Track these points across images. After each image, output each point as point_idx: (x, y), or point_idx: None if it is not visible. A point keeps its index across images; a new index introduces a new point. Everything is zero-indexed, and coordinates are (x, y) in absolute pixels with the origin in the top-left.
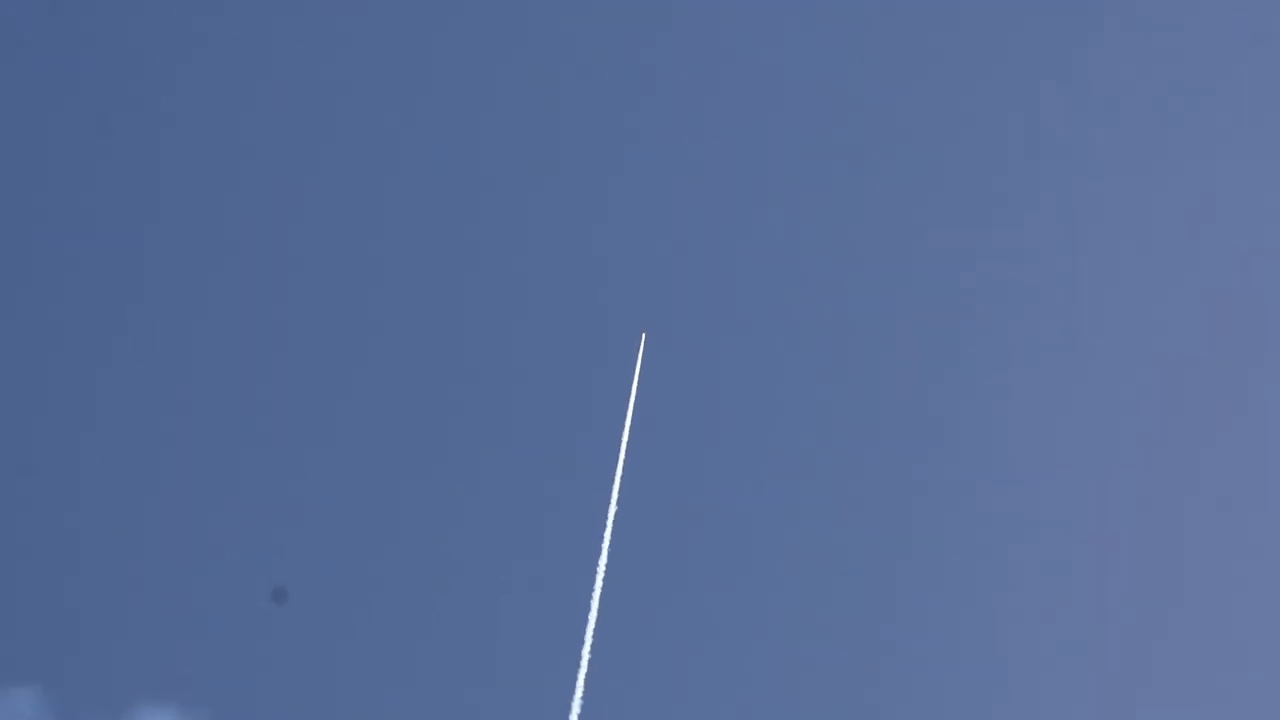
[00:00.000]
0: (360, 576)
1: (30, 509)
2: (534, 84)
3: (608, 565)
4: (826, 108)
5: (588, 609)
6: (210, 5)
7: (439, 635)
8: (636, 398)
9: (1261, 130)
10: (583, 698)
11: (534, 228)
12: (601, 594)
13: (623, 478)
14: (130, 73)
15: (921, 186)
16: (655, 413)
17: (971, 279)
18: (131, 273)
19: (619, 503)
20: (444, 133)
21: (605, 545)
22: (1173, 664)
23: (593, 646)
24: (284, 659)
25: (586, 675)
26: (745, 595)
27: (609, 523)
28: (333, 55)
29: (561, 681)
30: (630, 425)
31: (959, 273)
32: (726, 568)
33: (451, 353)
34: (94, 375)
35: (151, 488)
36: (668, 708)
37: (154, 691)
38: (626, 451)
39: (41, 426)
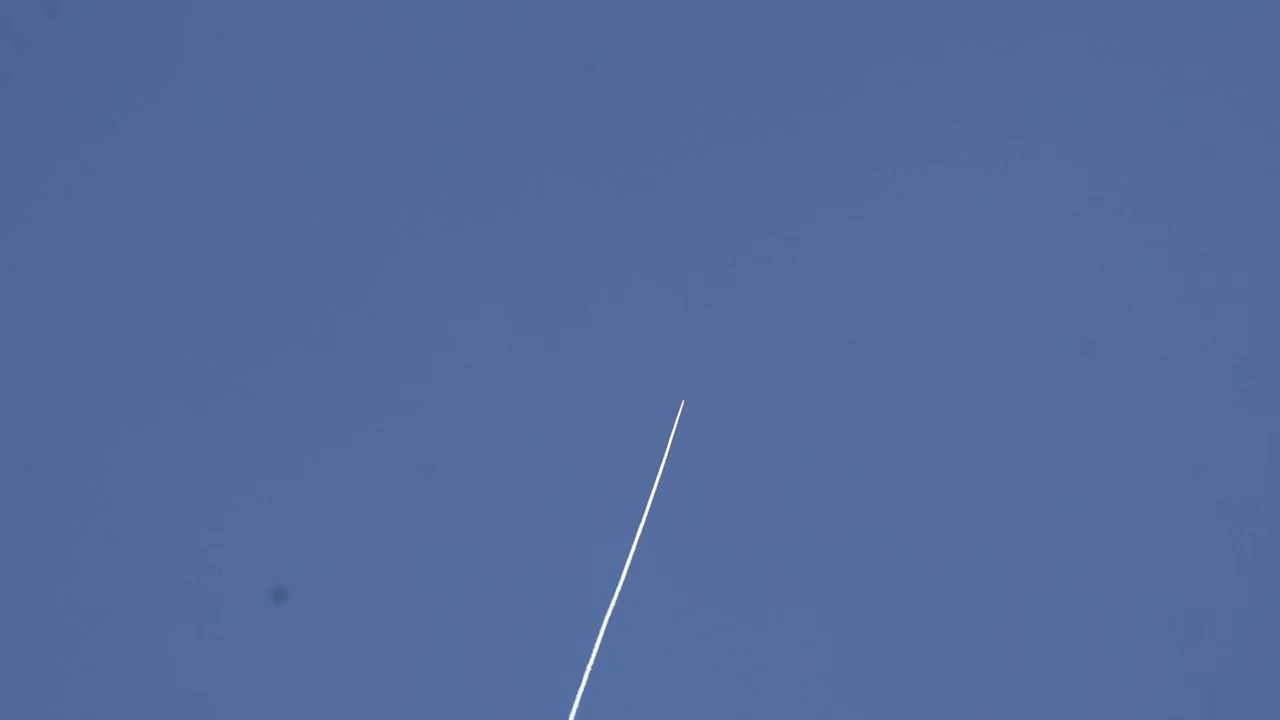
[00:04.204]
0: (363, 579)
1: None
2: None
3: (625, 586)
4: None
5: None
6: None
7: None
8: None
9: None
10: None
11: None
12: (614, 610)
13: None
14: (130, 73)
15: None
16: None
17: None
18: (131, 272)
19: (647, 523)
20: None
21: (628, 563)
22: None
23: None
24: (284, 659)
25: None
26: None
27: (635, 542)
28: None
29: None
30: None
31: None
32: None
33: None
34: (92, 373)
35: (150, 487)
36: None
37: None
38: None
39: (40, 425)
